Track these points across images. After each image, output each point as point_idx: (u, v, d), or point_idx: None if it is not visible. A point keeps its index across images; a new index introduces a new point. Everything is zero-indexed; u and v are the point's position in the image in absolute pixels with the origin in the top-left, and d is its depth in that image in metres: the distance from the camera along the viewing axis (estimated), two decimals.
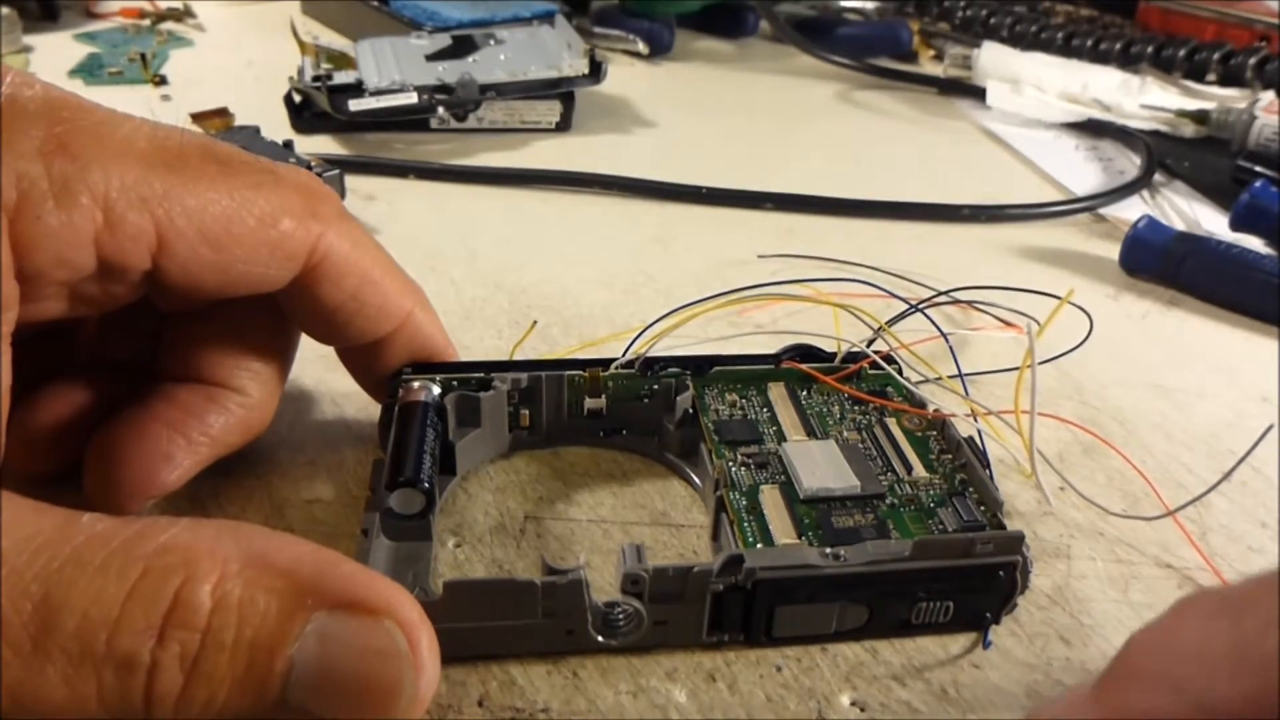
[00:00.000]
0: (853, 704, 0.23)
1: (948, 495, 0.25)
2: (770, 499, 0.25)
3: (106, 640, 0.16)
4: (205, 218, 0.21)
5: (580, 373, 0.28)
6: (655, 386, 0.29)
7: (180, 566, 0.17)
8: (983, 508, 0.25)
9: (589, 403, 0.29)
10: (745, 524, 0.24)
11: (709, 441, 0.27)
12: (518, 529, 0.27)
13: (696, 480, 0.28)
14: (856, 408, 0.29)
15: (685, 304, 0.34)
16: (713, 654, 0.24)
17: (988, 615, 0.24)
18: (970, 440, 0.27)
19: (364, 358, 0.27)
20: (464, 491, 0.28)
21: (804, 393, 0.29)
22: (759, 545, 0.23)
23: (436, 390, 0.27)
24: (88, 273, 0.21)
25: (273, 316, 0.26)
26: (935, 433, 0.28)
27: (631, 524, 0.27)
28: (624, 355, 0.29)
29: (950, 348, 0.33)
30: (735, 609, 0.23)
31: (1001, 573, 0.23)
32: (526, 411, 0.28)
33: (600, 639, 0.23)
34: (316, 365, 0.32)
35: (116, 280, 0.21)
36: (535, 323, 0.36)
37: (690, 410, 0.28)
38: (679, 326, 0.32)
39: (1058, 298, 0.38)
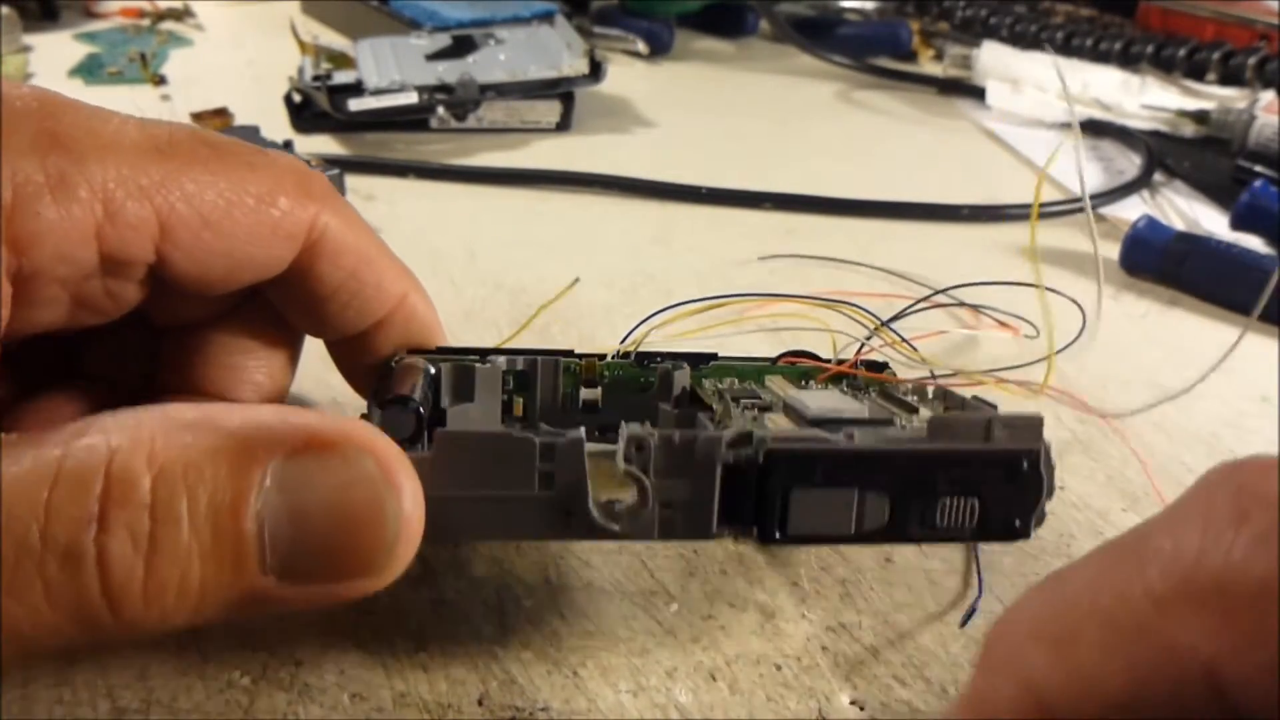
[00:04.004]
0: (853, 703, 0.23)
1: None
2: (774, 422, 0.24)
3: (40, 534, 0.15)
4: (205, 202, 0.21)
5: (576, 360, 0.28)
6: (652, 379, 0.28)
7: (101, 445, 0.16)
8: None
9: (584, 393, 0.28)
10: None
11: (709, 400, 0.26)
12: None
13: None
14: (858, 395, 0.28)
15: (685, 301, 0.34)
16: (713, 653, 0.24)
17: (1017, 523, 0.22)
18: (977, 396, 0.26)
19: (357, 349, 0.27)
20: None
21: (803, 382, 0.29)
22: None
23: (432, 370, 0.26)
24: (90, 269, 0.20)
25: (272, 325, 0.26)
26: (941, 401, 0.27)
27: None
28: (622, 343, 0.28)
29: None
30: (747, 492, 0.21)
31: (1025, 463, 0.22)
32: (520, 400, 0.28)
33: (600, 520, 0.21)
34: (316, 365, 0.32)
35: (120, 277, 0.21)
36: (577, 279, 0.35)
37: (687, 388, 0.28)
38: (676, 322, 0.32)
39: (1052, 290, 0.38)
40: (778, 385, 0.28)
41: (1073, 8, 0.85)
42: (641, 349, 0.29)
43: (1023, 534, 0.22)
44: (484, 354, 0.28)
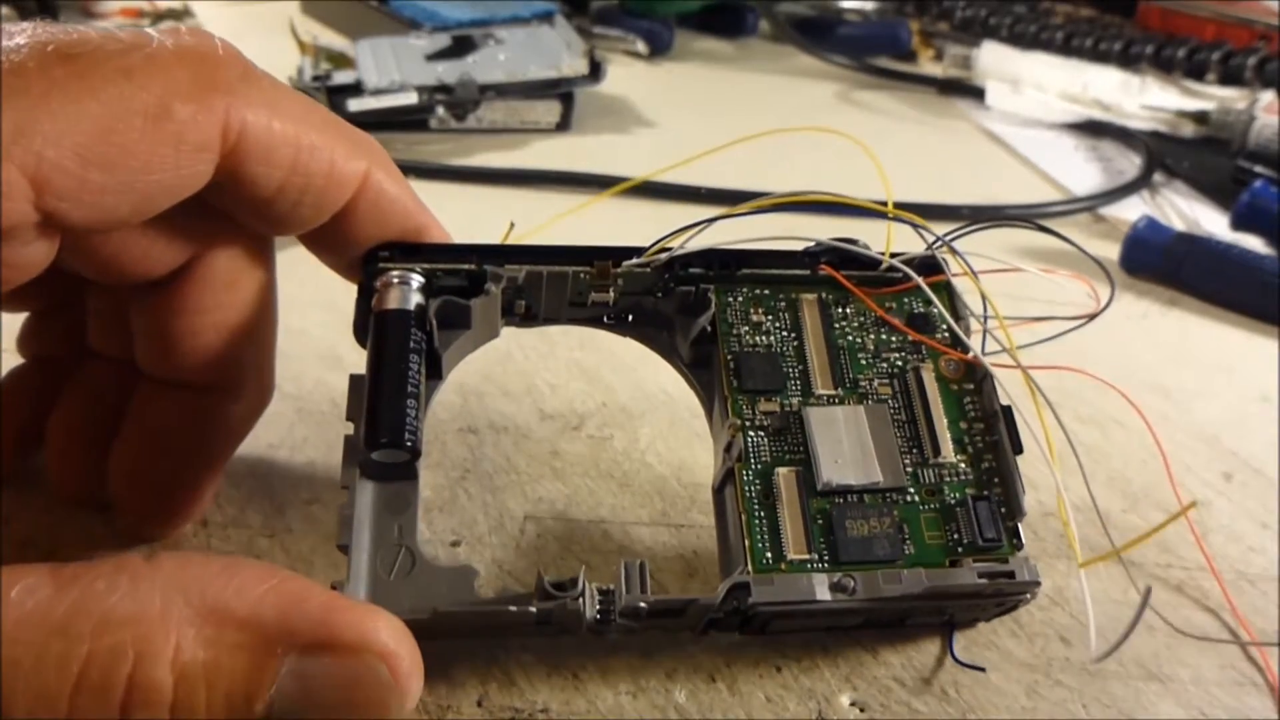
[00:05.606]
0: (853, 704, 0.23)
1: (970, 496, 0.23)
2: (785, 485, 0.23)
3: None
4: (78, 138, 0.17)
5: (588, 268, 0.25)
6: (672, 285, 0.26)
7: (127, 647, 0.15)
8: (1004, 510, 0.23)
9: (595, 296, 0.26)
10: (755, 519, 0.22)
11: (726, 385, 0.25)
12: (518, 529, 0.27)
13: (718, 418, 0.25)
14: (894, 340, 0.26)
15: (719, 216, 0.28)
16: (712, 654, 0.24)
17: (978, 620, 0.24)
18: (1007, 411, 0.24)
19: (330, 240, 0.23)
20: (464, 491, 0.28)
21: (839, 309, 0.26)
22: (768, 554, 0.22)
23: (417, 282, 0.24)
24: None
25: (245, 286, 0.24)
26: (972, 388, 0.25)
27: (630, 524, 0.27)
28: (644, 254, 0.26)
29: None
30: (734, 617, 0.22)
31: (1007, 601, 0.23)
32: (523, 302, 0.26)
33: (591, 637, 0.22)
34: (316, 365, 0.32)
35: (9, 242, 0.18)
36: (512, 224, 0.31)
37: (709, 328, 0.26)
38: (705, 230, 0.28)
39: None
40: (811, 336, 0.26)
41: (1073, 8, 0.85)
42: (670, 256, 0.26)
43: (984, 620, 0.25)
44: (482, 255, 0.25)
